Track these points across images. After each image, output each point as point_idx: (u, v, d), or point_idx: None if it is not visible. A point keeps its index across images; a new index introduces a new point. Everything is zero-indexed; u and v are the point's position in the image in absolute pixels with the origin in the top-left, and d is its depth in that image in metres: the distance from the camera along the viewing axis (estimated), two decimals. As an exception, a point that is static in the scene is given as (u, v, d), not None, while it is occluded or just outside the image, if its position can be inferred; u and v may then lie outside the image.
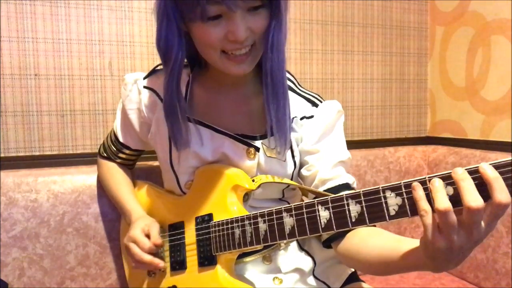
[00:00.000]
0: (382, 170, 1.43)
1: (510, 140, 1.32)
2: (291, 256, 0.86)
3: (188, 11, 0.68)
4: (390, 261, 0.63)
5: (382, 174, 1.43)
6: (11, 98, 1.14)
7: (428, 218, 0.51)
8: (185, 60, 0.84)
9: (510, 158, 0.48)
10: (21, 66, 1.14)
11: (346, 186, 0.79)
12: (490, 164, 0.48)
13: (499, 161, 0.48)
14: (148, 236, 0.81)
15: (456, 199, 0.50)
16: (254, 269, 0.83)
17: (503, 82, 1.34)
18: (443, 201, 0.49)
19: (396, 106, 1.62)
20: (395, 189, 0.55)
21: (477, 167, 0.49)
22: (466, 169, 0.50)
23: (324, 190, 0.78)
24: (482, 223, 0.49)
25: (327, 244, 0.79)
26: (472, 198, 0.48)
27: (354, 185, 0.81)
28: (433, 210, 0.51)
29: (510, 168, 0.48)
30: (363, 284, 0.88)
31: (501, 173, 0.48)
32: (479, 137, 1.44)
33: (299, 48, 1.44)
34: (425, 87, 1.66)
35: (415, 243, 0.60)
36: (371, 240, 0.69)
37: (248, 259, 0.83)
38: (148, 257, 0.78)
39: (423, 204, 0.51)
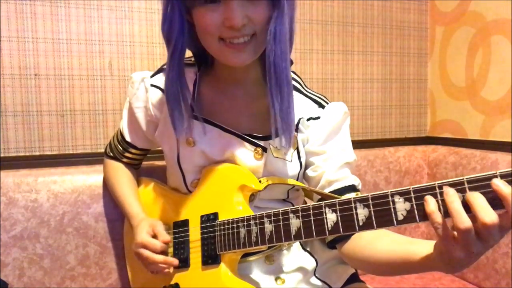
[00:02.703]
0: (382, 170, 1.43)
1: (510, 140, 1.32)
2: (293, 256, 0.86)
3: None
4: (401, 264, 0.63)
5: (382, 174, 1.43)
6: (11, 98, 1.14)
7: (443, 230, 0.51)
8: (192, 60, 0.85)
9: None
10: (21, 66, 1.14)
11: (352, 188, 0.79)
12: (500, 172, 0.48)
13: (508, 171, 0.48)
14: (155, 236, 0.81)
15: (466, 204, 0.49)
16: (256, 269, 0.83)
17: (503, 82, 1.34)
18: (463, 221, 0.49)
19: (396, 106, 1.62)
20: (404, 194, 0.54)
21: (489, 182, 0.48)
22: (476, 178, 0.49)
23: (330, 192, 0.78)
24: (498, 232, 0.49)
25: (332, 245, 0.80)
26: (487, 214, 0.47)
27: (359, 187, 0.81)
28: (445, 216, 0.51)
29: None
30: (364, 285, 0.88)
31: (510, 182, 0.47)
32: (479, 137, 1.44)
33: (299, 48, 1.44)
34: (425, 87, 1.66)
35: (426, 245, 0.59)
36: (379, 243, 0.69)
37: (251, 258, 0.83)
38: (161, 257, 0.78)
39: (437, 217, 0.51)
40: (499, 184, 0.47)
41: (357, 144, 1.51)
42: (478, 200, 0.48)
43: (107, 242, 1.07)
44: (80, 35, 1.19)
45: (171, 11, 0.71)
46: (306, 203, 0.93)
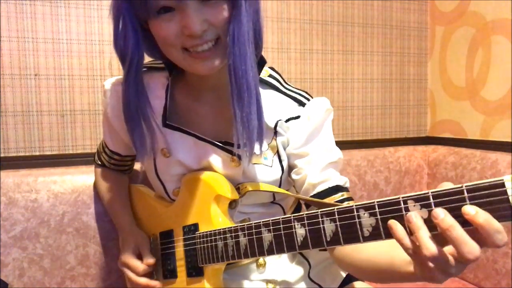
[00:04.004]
0: (382, 170, 1.43)
1: (510, 140, 1.32)
2: (285, 260, 0.85)
3: (139, 7, 0.64)
4: (385, 271, 0.61)
5: (382, 174, 1.43)
6: (11, 98, 1.14)
7: (416, 254, 0.47)
8: (162, 64, 0.80)
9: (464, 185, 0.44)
10: (21, 66, 1.14)
11: (336, 189, 0.75)
12: (466, 186, 0.44)
13: (474, 184, 0.44)
14: (140, 255, 0.81)
15: (431, 224, 0.46)
16: (248, 273, 0.82)
17: (503, 82, 1.34)
18: (428, 247, 0.45)
19: (396, 106, 1.62)
20: (369, 208, 0.52)
21: (458, 197, 0.45)
22: (443, 192, 0.45)
23: (315, 194, 0.75)
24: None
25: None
26: (467, 249, 0.43)
27: (346, 185, 0.77)
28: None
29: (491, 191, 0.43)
30: (361, 284, 0.87)
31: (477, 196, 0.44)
32: (479, 137, 1.44)
33: (299, 48, 1.44)
34: (425, 87, 1.66)
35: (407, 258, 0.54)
36: (364, 250, 0.66)
37: (241, 263, 0.82)
38: (143, 280, 0.78)
39: (407, 242, 0.48)
40: (470, 212, 0.43)
41: (357, 144, 1.51)
42: (454, 232, 0.44)
43: (107, 242, 1.07)
44: (80, 35, 1.19)
45: (124, 28, 0.66)
46: (300, 204, 0.92)
